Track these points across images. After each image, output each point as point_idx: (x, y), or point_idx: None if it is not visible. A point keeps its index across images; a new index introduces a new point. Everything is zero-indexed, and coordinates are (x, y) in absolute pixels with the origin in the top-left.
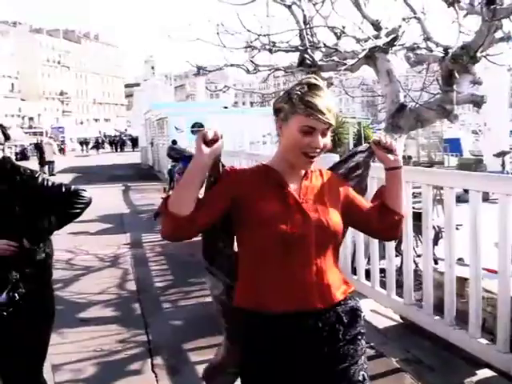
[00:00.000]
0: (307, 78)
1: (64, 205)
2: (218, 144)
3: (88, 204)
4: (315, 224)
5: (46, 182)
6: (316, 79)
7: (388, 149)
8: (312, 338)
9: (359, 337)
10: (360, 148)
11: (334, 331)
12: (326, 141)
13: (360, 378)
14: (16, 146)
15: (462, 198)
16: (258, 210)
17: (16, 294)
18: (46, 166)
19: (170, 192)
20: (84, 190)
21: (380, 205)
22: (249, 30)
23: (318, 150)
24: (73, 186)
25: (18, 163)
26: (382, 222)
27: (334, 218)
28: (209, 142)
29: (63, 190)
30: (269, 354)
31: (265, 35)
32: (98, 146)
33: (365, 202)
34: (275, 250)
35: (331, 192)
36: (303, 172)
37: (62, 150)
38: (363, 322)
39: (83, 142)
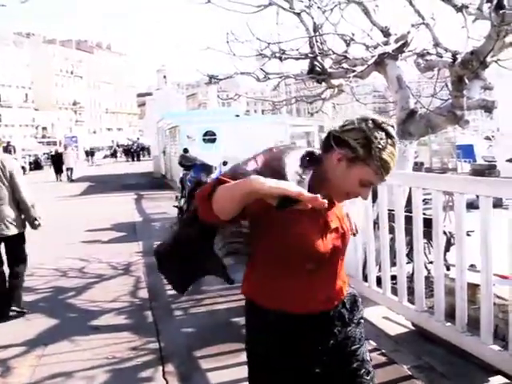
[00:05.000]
0: (386, 124)
1: None
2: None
3: None
4: (339, 245)
5: None
6: (393, 127)
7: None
8: (324, 326)
9: (361, 320)
10: None
11: (342, 316)
12: None
13: (368, 358)
14: (30, 155)
15: (474, 205)
16: (289, 223)
17: None
18: (64, 173)
19: (182, 200)
20: None
21: None
22: (258, 39)
23: None
24: None
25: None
26: None
27: (347, 239)
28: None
29: None
30: (282, 344)
31: (275, 43)
32: (114, 154)
33: None
34: (299, 263)
35: (342, 215)
36: None
37: None
38: (362, 307)
39: (89, 152)
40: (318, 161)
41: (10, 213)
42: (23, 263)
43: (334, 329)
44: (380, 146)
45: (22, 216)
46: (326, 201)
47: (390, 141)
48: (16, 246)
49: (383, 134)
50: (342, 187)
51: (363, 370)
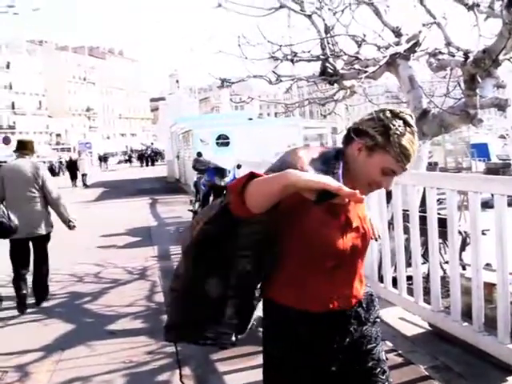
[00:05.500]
0: (404, 113)
1: None
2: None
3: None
4: (359, 244)
5: None
6: (411, 116)
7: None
8: (341, 325)
9: (377, 319)
10: None
11: (358, 315)
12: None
13: (384, 357)
14: (44, 162)
15: (489, 203)
16: (309, 220)
17: None
18: (79, 179)
19: (197, 204)
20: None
21: None
22: (270, 41)
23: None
24: None
25: None
26: None
27: (368, 240)
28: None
29: None
30: (300, 343)
31: (286, 45)
32: (129, 159)
33: None
34: (319, 261)
35: (364, 215)
36: None
37: None
38: (378, 306)
39: (102, 158)
40: (341, 155)
41: (41, 214)
42: (46, 261)
43: (350, 327)
44: (398, 133)
45: (51, 217)
46: (364, 196)
47: (408, 128)
48: (43, 244)
49: (401, 121)
50: (363, 177)
51: (379, 369)
